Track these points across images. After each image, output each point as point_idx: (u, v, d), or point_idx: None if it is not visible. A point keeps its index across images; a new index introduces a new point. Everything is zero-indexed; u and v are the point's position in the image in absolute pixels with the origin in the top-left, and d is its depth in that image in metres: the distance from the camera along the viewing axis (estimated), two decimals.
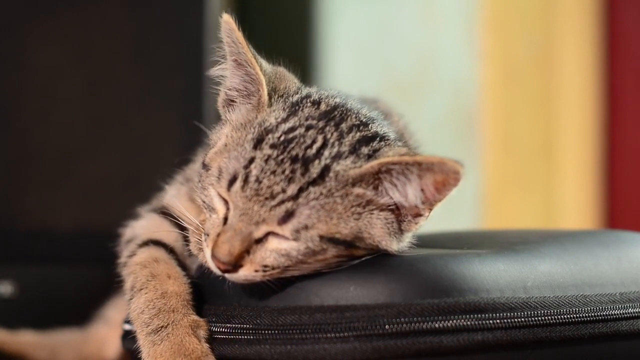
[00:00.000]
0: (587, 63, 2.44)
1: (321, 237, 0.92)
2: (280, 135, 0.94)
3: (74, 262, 1.68)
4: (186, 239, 1.03)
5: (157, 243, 1.05)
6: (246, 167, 0.93)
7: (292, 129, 0.95)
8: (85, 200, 1.71)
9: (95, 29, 1.73)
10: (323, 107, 0.98)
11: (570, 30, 2.40)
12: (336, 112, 0.98)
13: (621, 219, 2.46)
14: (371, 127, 0.98)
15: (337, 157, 0.93)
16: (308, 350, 0.91)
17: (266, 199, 0.91)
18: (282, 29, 2.36)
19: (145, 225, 1.09)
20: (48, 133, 1.71)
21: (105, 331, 1.42)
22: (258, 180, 0.91)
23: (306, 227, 0.91)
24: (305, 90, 1.02)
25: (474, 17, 2.31)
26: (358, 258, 0.94)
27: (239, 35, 0.98)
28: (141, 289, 0.99)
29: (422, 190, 0.93)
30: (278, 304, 0.94)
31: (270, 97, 0.99)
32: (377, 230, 0.94)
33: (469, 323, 0.91)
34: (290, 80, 1.02)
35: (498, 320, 0.92)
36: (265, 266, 0.92)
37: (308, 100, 0.99)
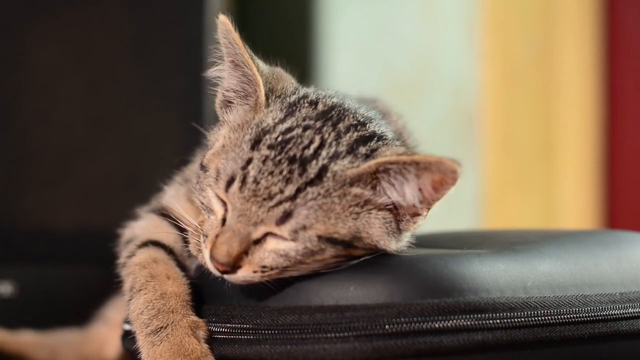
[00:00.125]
0: (587, 63, 2.44)
1: (319, 237, 0.92)
2: (278, 136, 0.94)
3: (74, 262, 1.68)
4: (185, 240, 1.03)
5: (156, 244, 1.05)
6: (244, 168, 0.93)
7: (289, 130, 0.95)
8: (85, 200, 1.71)
9: (95, 29, 1.73)
10: (320, 107, 0.98)
11: (570, 30, 2.40)
12: (333, 112, 0.98)
13: (621, 219, 2.46)
14: (369, 127, 0.98)
15: (335, 157, 0.93)
16: (308, 350, 0.91)
17: (264, 199, 0.91)
18: (282, 29, 2.36)
19: (144, 226, 1.09)
20: (48, 133, 1.71)
21: (105, 331, 1.42)
22: (256, 181, 0.92)
23: (304, 228, 0.91)
24: (302, 91, 1.02)
25: (474, 17, 2.31)
26: (357, 258, 0.94)
27: (235, 36, 0.98)
28: (140, 290, 0.99)
29: (420, 189, 0.93)
30: (278, 304, 0.94)
31: (267, 98, 0.99)
32: (375, 229, 0.94)
33: (469, 323, 0.91)
34: (287, 81, 1.02)
35: (498, 320, 0.92)
36: (264, 267, 0.92)
37: (305, 101, 0.99)
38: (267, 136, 0.94)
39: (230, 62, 1.00)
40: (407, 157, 0.92)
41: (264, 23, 2.34)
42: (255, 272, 0.92)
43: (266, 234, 0.92)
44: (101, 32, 1.73)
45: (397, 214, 0.95)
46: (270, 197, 0.91)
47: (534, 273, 0.98)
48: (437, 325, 0.90)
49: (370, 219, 0.94)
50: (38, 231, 1.69)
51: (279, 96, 1.00)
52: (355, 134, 0.96)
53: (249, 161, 0.93)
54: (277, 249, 0.92)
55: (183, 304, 0.98)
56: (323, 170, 0.92)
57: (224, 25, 0.99)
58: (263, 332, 0.93)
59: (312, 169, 0.92)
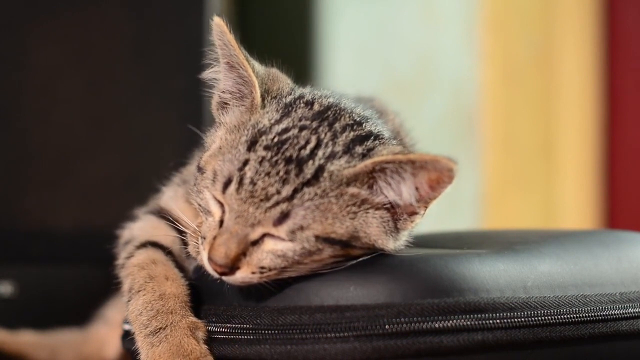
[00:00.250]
0: (587, 63, 2.44)
1: (317, 237, 0.92)
2: (274, 137, 0.94)
3: (74, 262, 1.68)
4: (184, 241, 1.03)
5: (155, 245, 1.05)
6: (240, 169, 0.93)
7: (285, 130, 0.95)
8: (85, 200, 1.71)
9: (95, 29, 1.73)
10: (316, 107, 0.98)
11: (570, 30, 2.40)
12: (329, 112, 0.98)
13: (621, 219, 2.46)
14: (365, 126, 0.98)
15: (331, 157, 0.93)
16: (308, 350, 0.91)
17: (261, 200, 0.91)
18: (282, 29, 2.36)
19: (142, 227, 1.09)
20: (48, 133, 1.71)
21: (105, 331, 1.42)
22: (253, 182, 0.92)
23: (301, 228, 0.91)
24: (298, 91, 1.02)
25: (474, 17, 2.31)
26: (355, 258, 0.94)
27: (230, 37, 0.98)
28: (139, 291, 0.99)
29: (417, 188, 0.93)
30: (278, 304, 0.94)
31: (263, 99, 0.99)
32: (372, 229, 0.94)
33: (469, 323, 0.91)
34: (283, 81, 1.02)
35: (498, 320, 0.92)
36: (262, 268, 0.92)
37: (301, 101, 0.99)
38: (264, 137, 0.94)
39: (226, 63, 1.00)
40: (403, 156, 0.92)
41: (264, 23, 2.34)
42: (253, 273, 0.92)
43: (264, 235, 0.92)
44: (101, 32, 1.73)
45: (395, 213, 0.95)
46: (267, 198, 0.91)
47: (534, 273, 0.98)
48: (437, 325, 0.90)
49: (367, 218, 0.94)
50: (38, 231, 1.69)
51: (275, 97, 1.00)
52: (352, 133, 0.96)
53: (246, 162, 0.93)
54: (275, 250, 0.92)
55: (182, 305, 0.98)
56: (320, 170, 0.92)
57: (218, 27, 0.99)
58: (263, 332, 0.93)
59: (309, 169, 0.92)
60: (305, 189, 0.91)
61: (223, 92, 1.02)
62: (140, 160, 1.72)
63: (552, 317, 0.95)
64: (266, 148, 0.93)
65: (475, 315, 0.91)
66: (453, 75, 2.34)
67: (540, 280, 0.97)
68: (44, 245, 1.69)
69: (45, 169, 1.70)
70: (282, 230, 0.91)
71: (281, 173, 0.92)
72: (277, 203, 0.91)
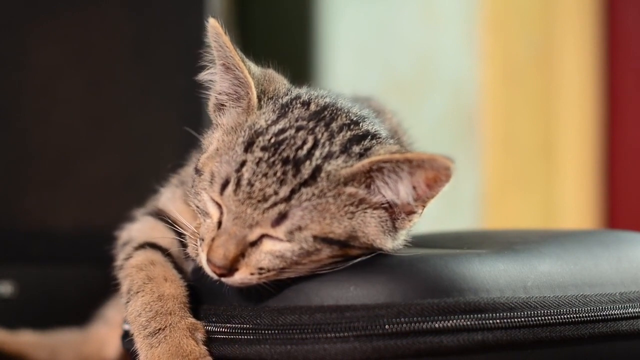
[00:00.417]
0: (587, 63, 2.44)
1: (315, 238, 0.92)
2: (271, 138, 0.94)
3: (74, 262, 1.68)
4: (182, 242, 1.03)
5: (153, 246, 1.05)
6: (238, 170, 0.93)
7: (282, 131, 0.95)
8: (85, 200, 1.71)
9: (95, 29, 1.73)
10: (313, 107, 0.98)
11: (570, 30, 2.40)
12: (326, 112, 0.98)
13: (621, 219, 2.46)
14: (362, 126, 0.98)
15: (328, 157, 0.93)
16: (308, 350, 0.91)
17: (259, 201, 0.91)
18: (282, 29, 2.36)
19: (140, 228, 1.09)
20: (48, 133, 1.71)
21: (105, 331, 1.42)
22: (250, 184, 0.92)
23: (300, 228, 0.91)
24: (295, 92, 1.02)
25: (474, 17, 2.31)
26: (353, 258, 0.94)
27: (226, 39, 0.98)
28: (138, 292, 0.99)
29: (414, 187, 0.93)
30: (278, 304, 0.94)
31: (259, 100, 0.99)
32: (371, 228, 0.94)
33: (469, 323, 0.91)
34: (279, 82, 1.02)
35: (498, 320, 0.92)
36: (261, 269, 0.92)
37: (298, 101, 0.99)
38: (260, 138, 0.94)
39: (222, 65, 1.00)
40: (400, 155, 0.92)
41: (264, 23, 2.34)
42: (252, 274, 0.92)
43: (262, 236, 0.92)
44: (101, 32, 1.73)
45: (393, 213, 0.95)
46: (265, 199, 0.91)
47: (534, 273, 0.98)
48: (437, 325, 0.90)
49: (365, 218, 0.94)
50: (38, 231, 1.69)
51: (271, 98, 1.00)
52: (349, 133, 0.96)
53: (243, 164, 0.93)
54: (273, 251, 0.92)
55: (181, 306, 0.98)
56: (317, 170, 0.92)
57: (214, 29, 0.99)
58: (263, 332, 0.93)
59: (306, 170, 0.92)
60: (303, 190, 0.91)
61: (219, 93, 1.02)
62: (140, 160, 1.72)
63: (552, 317, 0.95)
64: (263, 149, 0.93)
65: (475, 315, 0.91)
66: (453, 75, 2.34)
67: (540, 280, 0.97)
68: (44, 245, 1.69)
69: (45, 169, 1.70)
70: (280, 231, 0.91)
71: (278, 174, 0.92)
72: (274, 204, 0.91)
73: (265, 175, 0.92)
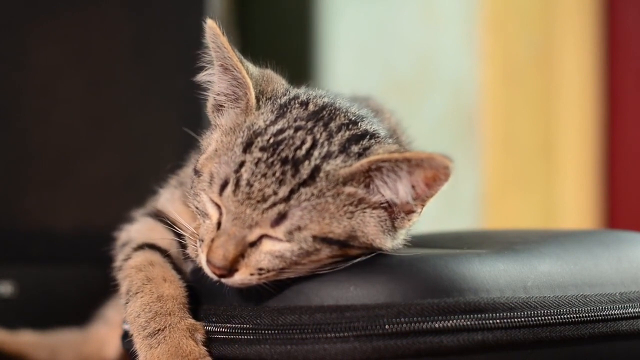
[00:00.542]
0: (587, 63, 2.44)
1: (314, 238, 0.92)
2: (270, 138, 0.94)
3: (74, 262, 1.68)
4: (181, 243, 1.03)
5: (152, 247, 1.05)
6: (237, 171, 0.92)
7: (281, 131, 0.95)
8: (85, 200, 1.71)
9: (95, 29, 1.73)
10: (311, 107, 0.98)
11: (570, 30, 2.40)
12: (324, 112, 0.98)
13: (621, 219, 2.46)
14: (360, 125, 0.98)
15: (327, 157, 0.93)
16: (308, 350, 0.91)
17: (258, 202, 0.91)
18: (282, 29, 2.36)
19: (139, 229, 1.09)
20: (48, 133, 1.71)
21: (105, 331, 1.42)
22: (249, 184, 0.91)
23: (299, 228, 0.91)
24: (293, 92, 1.02)
25: (474, 17, 2.31)
26: (353, 258, 0.94)
27: (223, 40, 0.98)
28: (137, 293, 0.99)
29: (413, 186, 0.93)
30: (278, 304, 0.94)
31: (258, 100, 0.99)
32: (370, 228, 0.94)
33: (469, 323, 0.91)
34: (277, 82, 1.02)
35: (498, 320, 0.92)
36: (261, 269, 0.92)
37: (296, 102, 0.99)
38: (259, 138, 0.94)
39: (220, 66, 1.00)
40: (399, 155, 0.92)
41: (263, 23, 2.34)
42: (252, 274, 0.92)
43: (261, 236, 0.92)
44: (101, 32, 1.73)
45: (392, 212, 0.95)
46: (264, 199, 0.91)
47: (534, 273, 0.98)
48: (437, 325, 0.90)
49: (364, 217, 0.94)
50: (38, 231, 1.69)
51: (270, 98, 1.00)
52: (347, 133, 0.96)
53: (242, 164, 0.93)
54: (273, 251, 0.92)
55: (180, 306, 0.98)
56: (316, 170, 0.92)
57: (211, 30, 0.98)
58: (263, 332, 0.93)
59: (305, 170, 0.92)
60: (302, 190, 0.91)
61: (218, 94, 1.02)
62: (140, 160, 1.72)
63: (552, 317, 0.95)
64: (262, 149, 0.93)
65: (475, 315, 0.91)
66: (453, 75, 2.34)
67: (540, 280, 0.97)
68: (44, 245, 1.69)
69: (45, 169, 1.70)
70: (280, 231, 0.91)
71: (277, 174, 0.92)
72: (274, 204, 0.91)
73: (264, 175, 0.92)
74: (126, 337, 1.03)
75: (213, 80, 1.02)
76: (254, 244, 0.92)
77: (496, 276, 0.95)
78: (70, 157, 1.71)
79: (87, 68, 1.72)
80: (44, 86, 1.70)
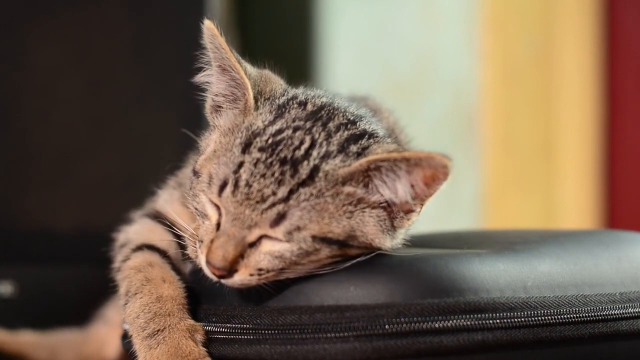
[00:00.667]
0: (587, 63, 2.44)
1: (314, 238, 0.92)
2: (268, 138, 0.94)
3: (74, 262, 1.68)
4: (180, 244, 1.03)
5: (151, 248, 1.05)
6: (236, 171, 0.92)
7: (279, 131, 0.95)
8: (85, 200, 1.71)
9: (95, 29, 1.73)
10: (310, 107, 0.98)
11: (570, 30, 2.40)
12: (323, 112, 0.98)
13: (621, 219, 2.46)
14: (359, 125, 0.98)
15: (326, 156, 0.93)
16: (308, 350, 0.91)
17: (257, 202, 0.91)
18: (282, 29, 2.36)
19: (138, 230, 1.09)
20: (48, 133, 1.71)
21: (105, 331, 1.42)
22: (248, 185, 0.91)
23: (298, 228, 0.91)
24: (291, 92, 1.02)
25: (474, 17, 2.31)
26: (352, 258, 0.94)
27: (221, 40, 0.98)
28: (136, 294, 0.99)
29: (412, 185, 0.93)
30: (278, 304, 0.94)
31: (256, 101, 0.98)
32: (369, 228, 0.94)
33: (469, 323, 0.91)
34: (276, 83, 1.02)
35: (498, 320, 0.92)
36: (260, 269, 0.92)
37: (294, 102, 0.99)
38: (258, 139, 0.94)
39: (218, 66, 1.00)
40: (398, 154, 0.92)
41: (263, 23, 2.34)
42: (252, 275, 0.92)
43: (261, 237, 0.92)
44: (101, 32, 1.73)
45: (391, 212, 0.95)
46: (263, 199, 0.91)
47: (534, 273, 0.98)
48: (437, 325, 0.90)
49: (364, 217, 0.94)
50: (38, 231, 1.69)
51: (268, 98, 1.00)
52: (346, 132, 0.96)
53: (241, 165, 0.93)
54: (272, 251, 0.92)
55: (179, 307, 0.98)
56: (315, 170, 0.92)
57: (209, 31, 0.98)
58: (263, 332, 0.93)
59: (304, 170, 0.92)
60: (301, 190, 0.91)
61: (216, 95, 1.02)
62: (140, 160, 1.72)
63: (552, 317, 0.95)
64: (261, 150, 0.93)
65: (475, 315, 0.91)
66: (453, 75, 2.34)
67: (540, 280, 0.97)
68: (44, 245, 1.69)
69: (45, 169, 1.70)
70: (279, 232, 0.91)
71: (276, 174, 0.92)
72: (273, 204, 0.91)
73: (263, 176, 0.92)
74: (126, 337, 1.03)
75: (211, 81, 1.02)
76: (253, 245, 0.92)
77: (496, 276, 0.95)
78: (70, 157, 1.71)
79: (87, 68, 1.72)
80: (44, 86, 1.70)
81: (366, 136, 0.96)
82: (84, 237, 1.68)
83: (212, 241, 0.93)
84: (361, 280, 0.92)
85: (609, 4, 2.46)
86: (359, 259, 0.94)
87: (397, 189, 0.93)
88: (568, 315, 0.96)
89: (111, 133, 1.72)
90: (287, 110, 0.97)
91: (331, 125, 0.96)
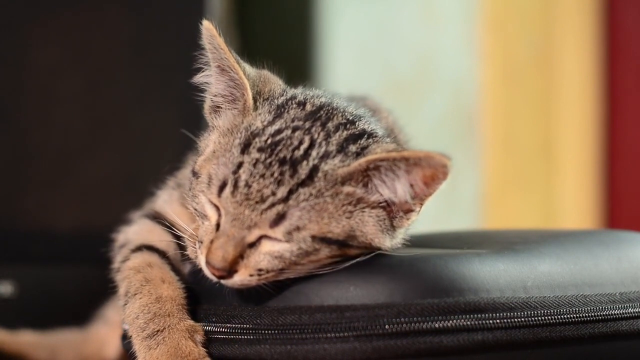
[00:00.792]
0: (587, 63, 2.44)
1: (313, 238, 0.91)
2: (267, 139, 0.94)
3: (74, 262, 1.68)
4: (179, 245, 1.03)
5: (150, 248, 1.05)
6: (235, 172, 0.92)
7: (278, 132, 0.94)
8: (85, 200, 1.71)
9: (95, 29, 1.73)
10: (309, 107, 0.98)
11: (570, 30, 2.40)
12: (322, 112, 0.98)
13: (621, 219, 2.46)
14: (358, 125, 0.98)
15: (325, 156, 0.93)
16: (308, 350, 0.91)
17: (257, 202, 0.91)
18: (282, 29, 2.36)
19: (137, 230, 1.09)
20: (48, 133, 1.71)
21: (105, 331, 1.42)
22: (247, 185, 0.91)
23: (298, 229, 0.91)
24: (290, 92, 1.02)
25: (474, 17, 2.31)
26: (352, 258, 0.94)
27: (220, 41, 0.98)
28: (135, 294, 0.99)
29: (411, 185, 0.93)
30: (278, 304, 0.94)
31: (255, 101, 0.98)
32: (369, 227, 0.94)
33: (469, 323, 0.91)
34: (274, 83, 1.02)
35: (498, 320, 0.92)
36: (260, 270, 0.92)
37: (293, 102, 0.99)
38: (257, 139, 0.94)
39: (217, 67, 1.00)
40: (397, 154, 0.92)
41: (264, 23, 2.34)
42: (251, 275, 0.92)
43: (260, 237, 0.92)
44: (101, 32, 1.73)
45: (390, 211, 0.95)
46: (263, 200, 0.91)
47: (534, 273, 0.98)
48: (437, 325, 0.90)
49: (363, 217, 0.94)
50: (38, 231, 1.69)
51: (267, 99, 0.99)
52: (345, 132, 0.96)
53: (240, 165, 0.93)
54: (272, 251, 0.92)
55: (179, 307, 0.97)
56: (314, 170, 0.92)
57: (208, 31, 0.98)
58: (263, 332, 0.93)
59: (303, 170, 0.92)
60: (300, 190, 0.91)
61: (215, 95, 1.02)
62: (140, 160, 1.72)
63: (552, 317, 0.95)
64: (260, 150, 0.93)
65: (475, 315, 0.91)
66: (453, 75, 2.34)
67: (540, 280, 0.97)
68: (44, 245, 1.69)
69: (45, 169, 1.70)
70: (279, 232, 0.91)
71: (276, 174, 0.91)
72: (272, 204, 0.91)
73: (262, 176, 0.92)
74: (126, 337, 1.03)
75: (210, 81, 1.02)
76: (253, 245, 0.92)
77: (496, 276, 0.95)
78: (70, 157, 1.71)
79: (87, 68, 1.72)
80: (44, 86, 1.70)
81: (365, 136, 0.96)
82: (84, 237, 1.68)
83: (211, 242, 0.93)
84: (361, 280, 0.92)
85: (609, 4, 2.46)
86: (358, 259, 0.94)
87: (397, 188, 0.93)
88: (568, 315, 0.96)
89: (111, 133, 1.73)
90: (286, 111, 0.97)
91: (330, 125, 0.96)
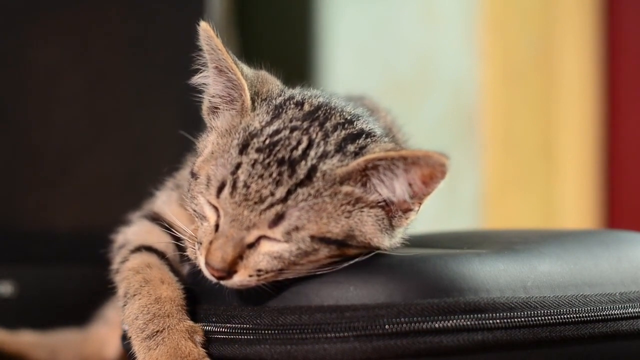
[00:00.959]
0: (587, 63, 2.44)
1: (312, 238, 0.91)
2: (266, 139, 0.94)
3: (74, 262, 1.68)
4: (178, 245, 1.03)
5: (149, 249, 1.05)
6: (233, 173, 0.92)
7: (276, 132, 0.95)
8: (85, 201, 1.71)
9: (95, 29, 1.73)
10: (307, 107, 0.98)
11: (570, 30, 2.40)
12: (320, 112, 0.98)
13: (621, 219, 2.46)
14: (356, 125, 0.98)
15: (323, 156, 0.93)
16: (308, 350, 0.91)
17: (255, 203, 0.91)
18: (282, 29, 2.36)
19: (136, 231, 1.09)
20: (48, 133, 1.71)
21: (105, 331, 1.42)
22: (246, 185, 0.91)
23: (297, 229, 0.91)
24: (288, 92, 1.02)
25: (474, 17, 2.31)
26: (351, 258, 0.94)
27: (218, 42, 0.98)
28: (135, 295, 0.99)
29: (410, 184, 0.93)
30: (278, 304, 0.94)
31: (253, 102, 0.98)
32: (368, 227, 0.94)
33: (469, 323, 0.91)
34: (272, 83, 1.02)
35: (498, 320, 0.92)
36: (259, 270, 0.92)
37: (291, 102, 0.99)
38: (255, 140, 0.94)
39: (214, 68, 1.00)
40: (395, 153, 0.92)
41: (264, 23, 2.34)
42: (251, 276, 0.92)
43: (260, 238, 0.92)
44: (101, 32, 1.73)
45: (389, 211, 0.95)
46: (262, 200, 0.91)
47: (534, 273, 0.98)
48: (437, 325, 0.90)
49: (362, 216, 0.94)
50: (38, 231, 1.69)
51: (265, 99, 0.99)
52: (343, 132, 0.96)
53: (238, 166, 0.93)
54: (271, 252, 0.92)
55: (178, 308, 0.97)
56: (312, 170, 0.92)
57: (205, 32, 0.98)
58: (263, 332, 0.93)
59: (302, 170, 0.92)
60: (299, 190, 0.91)
61: (213, 96, 1.02)
62: (140, 160, 1.72)
63: (552, 317, 0.95)
64: (258, 150, 0.93)
65: (475, 315, 0.91)
66: (453, 75, 2.34)
67: (540, 280, 0.97)
68: (44, 245, 1.69)
69: (45, 169, 1.70)
70: (278, 232, 0.91)
71: (274, 175, 0.91)
72: (271, 205, 0.91)
73: (261, 176, 0.92)
74: (125, 338, 1.03)
75: (208, 82, 1.02)
76: (252, 246, 0.92)
77: (496, 276, 0.95)
78: (70, 157, 1.71)
79: (87, 68, 1.72)
80: (44, 86, 1.70)
81: (363, 135, 0.96)
82: (84, 237, 1.68)
83: (210, 243, 0.93)
84: (361, 280, 0.92)
85: (609, 4, 2.46)
86: (358, 259, 0.94)
87: (395, 187, 0.93)
88: (568, 315, 0.96)
89: (111, 133, 1.73)
90: (284, 111, 0.97)
91: (328, 125, 0.96)
